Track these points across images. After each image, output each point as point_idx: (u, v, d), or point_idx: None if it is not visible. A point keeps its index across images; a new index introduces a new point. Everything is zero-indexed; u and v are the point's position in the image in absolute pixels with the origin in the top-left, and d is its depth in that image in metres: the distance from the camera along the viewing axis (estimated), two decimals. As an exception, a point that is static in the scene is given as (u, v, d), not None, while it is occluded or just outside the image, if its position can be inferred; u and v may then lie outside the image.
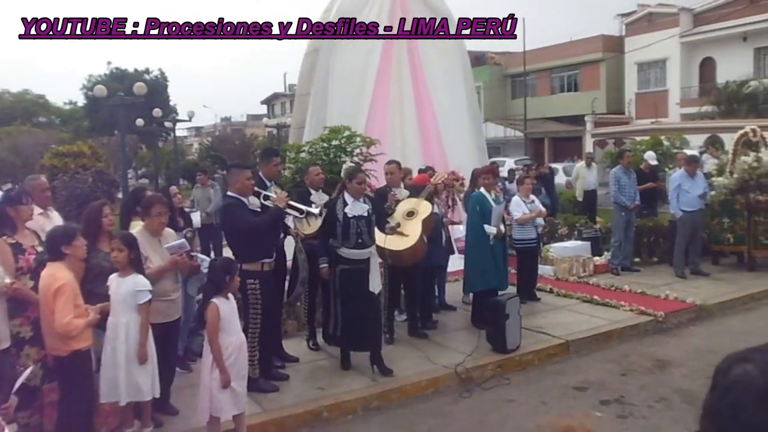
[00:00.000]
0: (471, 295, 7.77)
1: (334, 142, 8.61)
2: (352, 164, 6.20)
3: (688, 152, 11.59)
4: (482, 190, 7.57)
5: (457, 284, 8.39)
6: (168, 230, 5.15)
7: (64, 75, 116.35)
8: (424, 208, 6.88)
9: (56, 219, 5.62)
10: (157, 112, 27.36)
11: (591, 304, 8.22)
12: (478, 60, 39.03)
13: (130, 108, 18.50)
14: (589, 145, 30.10)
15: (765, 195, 9.67)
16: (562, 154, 31.90)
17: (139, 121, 29.03)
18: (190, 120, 32.67)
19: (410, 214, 6.76)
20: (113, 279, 4.51)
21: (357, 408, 5.43)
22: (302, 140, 9.94)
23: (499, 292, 7.20)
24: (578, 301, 8.40)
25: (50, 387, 4.45)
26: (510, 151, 35.59)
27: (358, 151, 8.62)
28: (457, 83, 11.58)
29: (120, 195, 13.34)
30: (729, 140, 10.74)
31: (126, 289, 4.44)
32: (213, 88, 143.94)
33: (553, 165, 19.62)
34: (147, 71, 47.62)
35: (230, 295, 4.68)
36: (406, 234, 6.62)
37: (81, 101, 48.40)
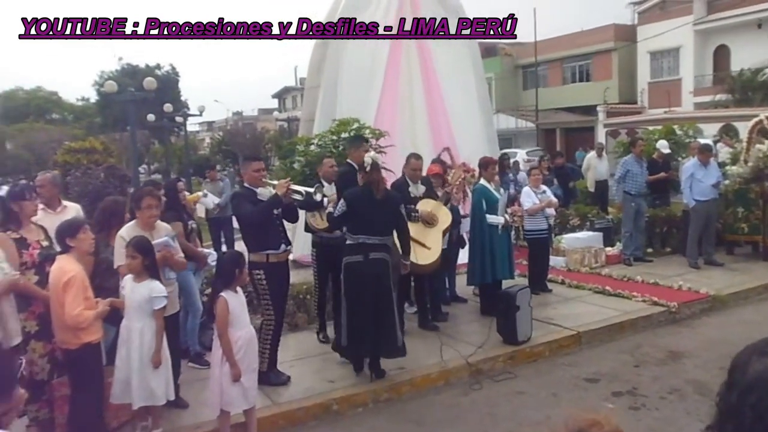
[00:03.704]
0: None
1: (343, 135, 8.58)
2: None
3: (702, 141, 11.44)
4: (483, 181, 7.55)
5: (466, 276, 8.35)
6: (161, 224, 5.10)
7: (76, 71, 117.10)
8: (445, 216, 6.87)
9: (71, 213, 5.58)
10: (168, 107, 27.39)
11: (603, 295, 8.16)
12: (488, 51, 38.80)
13: (141, 103, 18.57)
14: (601, 136, 29.90)
15: (780, 184, 9.55)
16: (574, 144, 31.64)
17: (151, 117, 29.09)
18: (201, 115, 32.70)
19: (430, 224, 6.73)
20: (128, 282, 4.50)
21: (367, 400, 5.42)
22: (312, 133, 9.93)
23: (507, 283, 7.19)
24: (590, 292, 8.34)
25: (60, 381, 4.49)
26: (522, 143, 35.42)
27: (367, 143, 8.57)
28: (467, 74, 11.50)
29: (131, 190, 13.39)
30: (743, 129, 10.61)
31: (141, 295, 4.44)
32: (224, 83, 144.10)
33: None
34: (158, 66, 47.75)
35: (239, 288, 4.68)
36: (428, 247, 6.60)
37: (93, 97, 48.69)
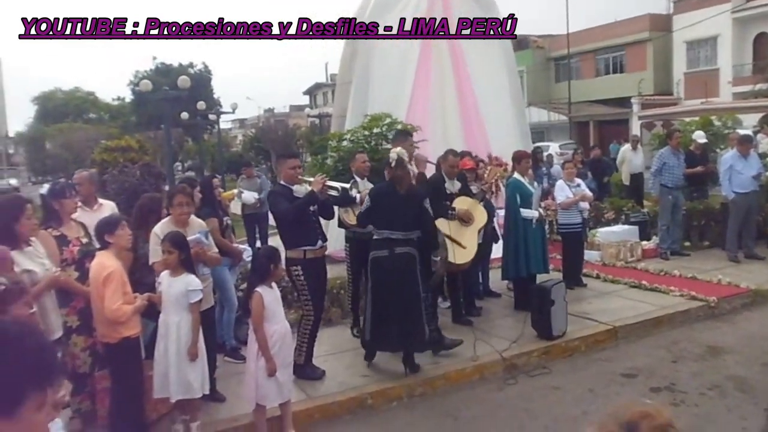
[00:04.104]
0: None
1: (375, 130, 8.60)
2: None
3: (741, 132, 11.18)
4: (517, 175, 7.49)
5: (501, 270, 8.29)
6: (194, 220, 5.17)
7: (112, 72, 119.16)
8: (481, 215, 6.83)
9: (107, 210, 5.69)
10: (201, 105, 27.79)
11: (639, 290, 8.03)
12: (520, 44, 38.38)
13: (175, 102, 18.86)
14: (635, 128, 29.32)
15: (823, 174, 9.29)
16: (608, 137, 31.17)
17: (184, 115, 29.55)
18: (233, 112, 33.09)
19: (466, 221, 6.70)
20: (164, 277, 4.58)
21: (402, 395, 5.43)
22: (344, 129, 9.97)
23: (541, 277, 7.13)
24: (626, 287, 8.22)
25: (101, 374, 4.59)
26: (554, 136, 35.03)
27: (399, 138, 8.58)
28: (499, 67, 11.43)
29: (167, 187, 13.60)
30: (786, 118, 10.36)
31: (178, 289, 4.51)
32: (256, 80, 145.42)
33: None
34: (191, 65, 48.43)
35: (274, 283, 4.73)
36: (464, 246, 6.59)
37: (129, 97, 49.54)
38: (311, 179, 5.67)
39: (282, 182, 5.80)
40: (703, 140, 10.75)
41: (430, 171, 7.45)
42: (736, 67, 31.30)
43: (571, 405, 5.17)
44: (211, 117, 31.85)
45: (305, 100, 69.79)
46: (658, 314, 7.08)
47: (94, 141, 26.66)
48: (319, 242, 5.64)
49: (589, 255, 9.32)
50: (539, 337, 6.38)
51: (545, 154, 14.18)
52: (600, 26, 37.07)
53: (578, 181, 8.61)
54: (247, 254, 6.28)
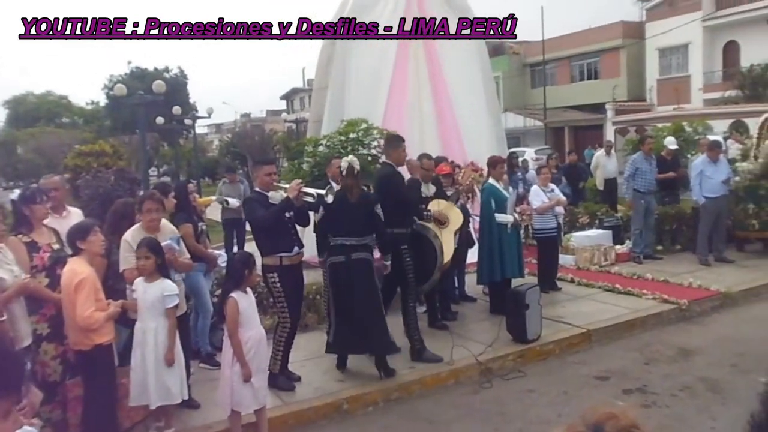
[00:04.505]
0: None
1: (351, 135, 8.60)
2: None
3: (711, 138, 11.39)
4: (491, 180, 7.57)
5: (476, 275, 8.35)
6: (165, 226, 5.15)
7: (86, 75, 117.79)
8: (456, 217, 6.89)
9: (74, 218, 5.65)
10: (177, 109, 27.54)
11: (613, 293, 8.14)
12: (496, 50, 38.71)
13: (150, 106, 18.66)
14: (610, 133, 29.75)
15: (790, 180, 9.49)
16: (583, 142, 31.52)
17: (160, 119, 29.26)
18: (209, 117, 32.81)
19: (442, 223, 6.75)
20: (139, 284, 4.55)
21: (377, 399, 5.44)
22: (320, 134, 9.95)
23: (516, 281, 7.19)
24: (600, 290, 8.32)
25: (73, 382, 4.53)
26: (530, 141, 35.34)
27: (375, 143, 8.61)
28: (474, 73, 11.49)
29: (141, 192, 13.47)
30: (754, 125, 10.54)
31: (154, 294, 4.49)
32: (233, 85, 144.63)
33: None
34: (167, 69, 47.95)
35: (249, 289, 4.71)
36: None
37: (103, 101, 48.97)
38: (287, 185, 5.66)
39: (257, 189, 5.78)
40: (674, 146, 10.93)
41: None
42: (706, 74, 31.92)
43: (546, 408, 5.22)
44: (187, 122, 31.59)
45: (282, 105, 69.63)
46: (631, 317, 7.18)
47: (67, 146, 26.33)
48: (296, 249, 5.63)
49: (564, 259, 9.42)
50: (514, 340, 6.43)
51: (521, 159, 14.28)
52: (574, 33, 37.56)
53: (552, 186, 8.71)
54: (222, 260, 6.24)
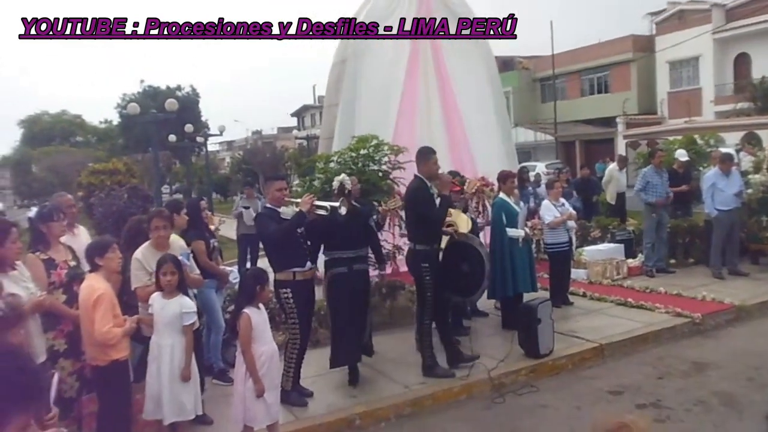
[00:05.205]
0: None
1: (362, 152, 8.64)
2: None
3: (723, 150, 11.35)
4: (502, 195, 7.59)
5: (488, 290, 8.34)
6: (175, 242, 5.21)
7: (100, 94, 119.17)
8: (463, 223, 6.88)
9: (82, 236, 5.79)
10: (188, 127, 27.80)
11: (625, 307, 8.10)
12: (506, 65, 38.86)
13: (163, 124, 18.90)
14: (621, 147, 29.70)
15: (803, 191, 9.44)
16: (594, 156, 31.47)
17: (172, 137, 29.53)
18: (221, 134, 33.11)
19: (448, 226, 6.75)
20: (156, 299, 4.60)
21: (389, 415, 5.44)
22: (331, 150, 10.01)
23: (528, 296, 7.18)
24: (612, 305, 8.29)
25: (89, 398, 4.57)
26: (541, 156, 35.34)
27: (386, 159, 8.65)
28: (484, 89, 11.55)
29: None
30: (766, 137, 10.51)
31: (172, 311, 4.54)
32: (244, 102, 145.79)
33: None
34: (179, 88, 48.54)
35: (261, 305, 4.75)
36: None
37: (116, 120, 49.54)
38: (298, 200, 5.71)
39: (268, 205, 5.81)
40: (685, 158, 10.90)
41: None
42: (717, 86, 31.86)
43: (558, 423, 5.20)
44: (199, 139, 31.86)
45: (293, 122, 70.09)
46: (644, 331, 7.14)
47: (81, 164, 26.63)
48: (308, 264, 5.67)
49: (576, 273, 9.39)
50: (526, 355, 6.42)
51: (533, 173, 14.30)
52: (584, 47, 37.65)
53: (563, 200, 8.70)
54: (234, 276, 6.29)
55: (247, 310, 4.56)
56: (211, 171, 33.45)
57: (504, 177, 7.73)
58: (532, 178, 14.17)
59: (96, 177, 13.66)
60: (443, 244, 6.49)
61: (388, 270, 9.03)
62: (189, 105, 44.12)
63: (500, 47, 33.25)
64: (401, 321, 7.79)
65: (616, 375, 6.18)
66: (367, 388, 5.88)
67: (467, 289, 6.45)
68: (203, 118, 47.34)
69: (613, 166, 14.90)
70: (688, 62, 33.34)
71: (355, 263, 5.86)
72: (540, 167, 25.88)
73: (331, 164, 8.92)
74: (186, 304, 4.59)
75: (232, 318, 5.00)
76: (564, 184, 10.54)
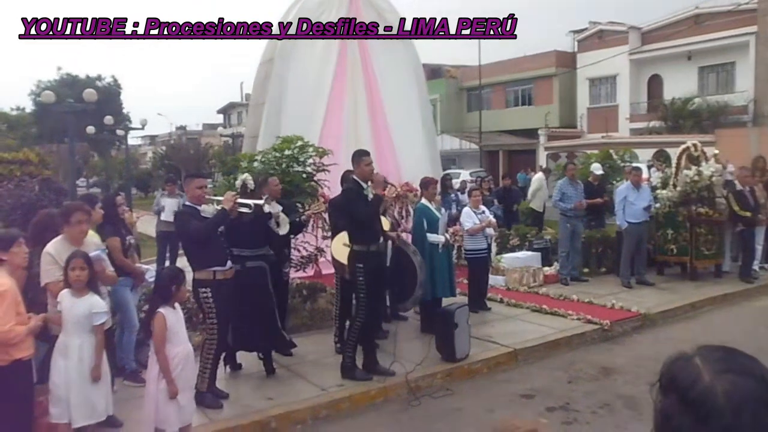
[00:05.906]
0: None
1: (286, 152, 8.59)
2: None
3: (635, 165, 11.92)
4: (424, 200, 7.71)
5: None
6: (90, 238, 5.04)
7: (11, 80, 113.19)
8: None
9: None
10: (108, 119, 26.84)
11: (540, 314, 8.38)
12: (434, 73, 39.49)
13: (81, 115, 18.16)
14: (542, 158, 30.71)
15: (705, 208, 10.03)
16: (516, 166, 32.39)
17: (90, 129, 28.44)
18: (143, 128, 32.11)
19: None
20: (65, 296, 4.40)
21: (306, 417, 5.41)
22: (256, 150, 9.90)
23: (447, 301, 7.30)
24: (528, 311, 8.55)
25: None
26: (465, 163, 36.00)
27: (311, 161, 8.63)
28: (411, 95, 11.70)
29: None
30: (675, 154, 11.09)
31: (81, 310, 4.35)
32: (169, 96, 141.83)
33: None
34: (99, 78, 46.64)
35: (177, 305, 4.64)
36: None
37: (29, 107, 47.11)
38: (220, 198, 5.63)
39: (188, 203, 5.72)
40: (599, 172, 11.37)
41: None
42: (633, 104, 33.45)
43: (473, 425, 5.31)
44: (119, 132, 30.82)
45: (219, 118, 68.77)
46: (557, 337, 7.40)
47: (-12, 153, 25.18)
48: (229, 263, 5.58)
49: (494, 280, 9.63)
50: (443, 359, 6.53)
51: (459, 180, 14.58)
52: (511, 60, 38.65)
53: (483, 208, 8.91)
54: (150, 275, 6.11)
55: (162, 310, 4.44)
56: (131, 165, 32.40)
57: (426, 183, 7.85)
58: (457, 185, 14.47)
59: (5, 167, 12.91)
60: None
61: (310, 272, 9.06)
62: (110, 96, 42.52)
63: (429, 55, 33.64)
64: (320, 323, 7.79)
65: (529, 379, 6.37)
66: (284, 390, 5.83)
67: (398, 296, 6.51)
68: (125, 111, 45.75)
69: (540, 175, 15.43)
70: (607, 80, 34.84)
71: (249, 261, 5.98)
72: (464, 174, 26.37)
73: (255, 164, 8.83)
74: (96, 303, 4.42)
75: (146, 317, 4.84)
76: (486, 192, 10.80)
